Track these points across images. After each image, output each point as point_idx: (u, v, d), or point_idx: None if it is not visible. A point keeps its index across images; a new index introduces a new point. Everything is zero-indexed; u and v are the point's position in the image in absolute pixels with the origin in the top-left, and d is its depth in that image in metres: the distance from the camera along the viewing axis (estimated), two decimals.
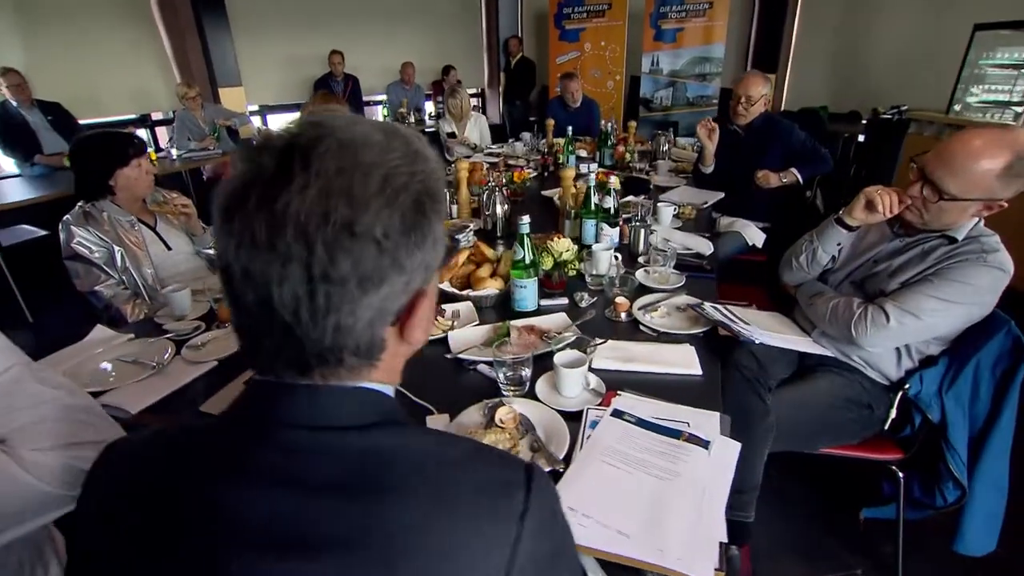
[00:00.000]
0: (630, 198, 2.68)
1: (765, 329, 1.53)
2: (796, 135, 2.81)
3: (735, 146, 2.88)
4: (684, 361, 1.35)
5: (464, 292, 1.68)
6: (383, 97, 6.59)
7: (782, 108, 6.77)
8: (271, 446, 0.49)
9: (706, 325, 1.49)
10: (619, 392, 1.23)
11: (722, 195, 2.84)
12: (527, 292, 1.58)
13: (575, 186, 2.30)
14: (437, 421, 1.18)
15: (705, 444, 1.07)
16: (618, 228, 2.01)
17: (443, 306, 1.64)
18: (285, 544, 0.44)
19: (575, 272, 1.73)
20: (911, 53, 5.45)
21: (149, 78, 5.41)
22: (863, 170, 5.35)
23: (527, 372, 1.27)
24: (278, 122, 6.37)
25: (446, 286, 1.72)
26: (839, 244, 1.55)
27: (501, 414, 1.15)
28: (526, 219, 1.51)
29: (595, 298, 1.70)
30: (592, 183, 2.00)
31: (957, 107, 4.09)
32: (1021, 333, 1.35)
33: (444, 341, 1.48)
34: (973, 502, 1.44)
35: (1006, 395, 1.37)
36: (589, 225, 2.05)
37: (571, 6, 6.15)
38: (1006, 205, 1.31)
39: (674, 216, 2.39)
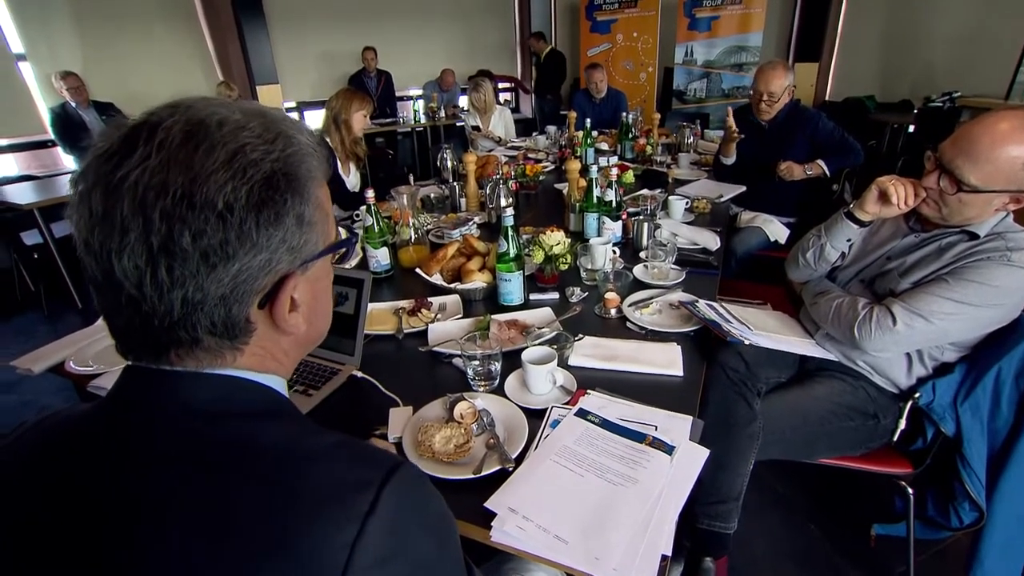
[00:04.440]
0: (644, 191, 2.59)
1: (763, 330, 1.44)
2: (823, 125, 2.65)
3: (758, 137, 2.74)
4: (666, 361, 1.28)
5: (452, 285, 1.65)
6: (418, 92, 6.64)
7: (826, 98, 6.46)
8: (132, 432, 0.49)
9: (698, 324, 1.41)
10: (589, 391, 1.18)
11: (743, 188, 2.71)
12: (512, 286, 1.54)
13: (583, 179, 2.24)
14: (401, 414, 1.16)
15: (669, 450, 1.01)
16: (620, 222, 1.94)
17: (430, 299, 1.61)
18: (136, 521, 0.45)
19: (568, 266, 1.67)
20: (968, 34, 5.08)
21: (194, 78, 5.63)
22: (911, 162, 5.04)
23: (496, 367, 1.24)
24: (314, 119, 6.52)
25: (437, 279, 1.70)
26: (849, 240, 1.43)
27: (460, 409, 1.12)
28: (509, 212, 1.47)
29: (586, 293, 1.64)
30: (595, 176, 1.94)
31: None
32: None
33: (426, 333, 1.46)
34: (992, 526, 1.30)
35: None
36: (591, 219, 1.99)
37: None
38: None
39: (686, 210, 2.29)
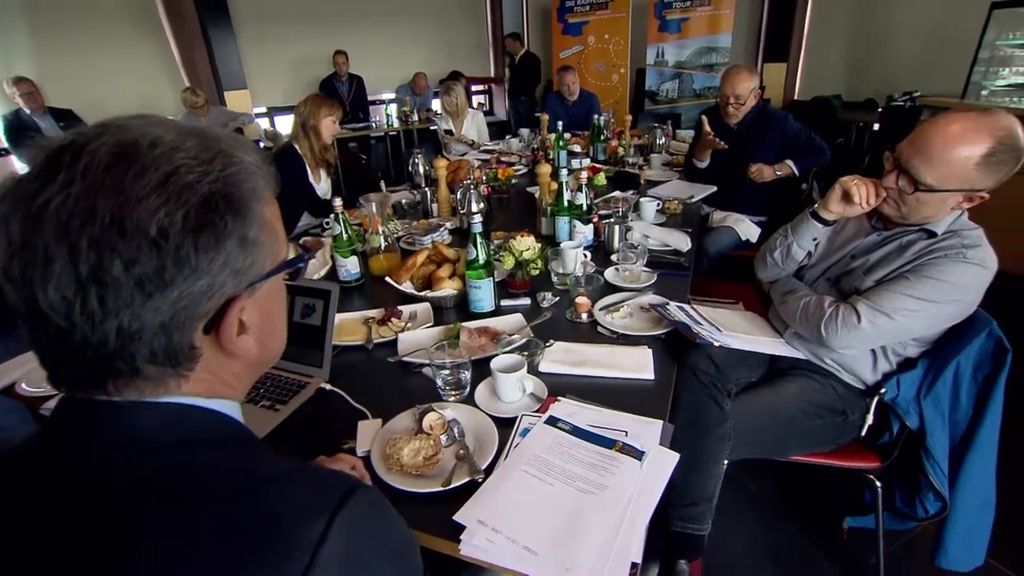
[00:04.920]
0: (615, 193, 2.60)
1: (733, 330, 1.45)
2: (790, 126, 2.69)
3: (727, 139, 2.76)
4: (637, 365, 1.29)
5: (422, 293, 1.64)
6: (391, 96, 6.60)
7: (795, 98, 6.59)
8: (70, 464, 0.47)
9: (668, 326, 1.42)
10: (559, 398, 1.18)
11: (714, 189, 2.74)
12: (482, 293, 1.53)
13: (554, 183, 2.24)
14: (370, 426, 1.14)
15: (639, 455, 1.01)
16: (591, 225, 1.94)
17: (400, 307, 1.60)
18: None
19: (539, 271, 1.67)
20: (927, 36, 5.23)
21: (158, 84, 5.51)
22: (876, 159, 5.17)
23: (466, 375, 1.23)
24: (285, 123, 6.43)
25: (407, 287, 1.68)
26: (815, 239, 1.45)
27: (429, 420, 1.11)
28: (477, 218, 1.46)
29: (557, 298, 1.64)
30: (565, 179, 1.94)
31: (984, 92, 3.86)
32: (1003, 334, 1.25)
33: (396, 343, 1.44)
34: (955, 515, 1.34)
35: (988, 401, 1.27)
36: (562, 222, 1.99)
37: None
38: (987, 197, 1.21)
39: (658, 211, 2.30)
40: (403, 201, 2.64)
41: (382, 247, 1.87)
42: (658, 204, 2.29)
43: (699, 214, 2.46)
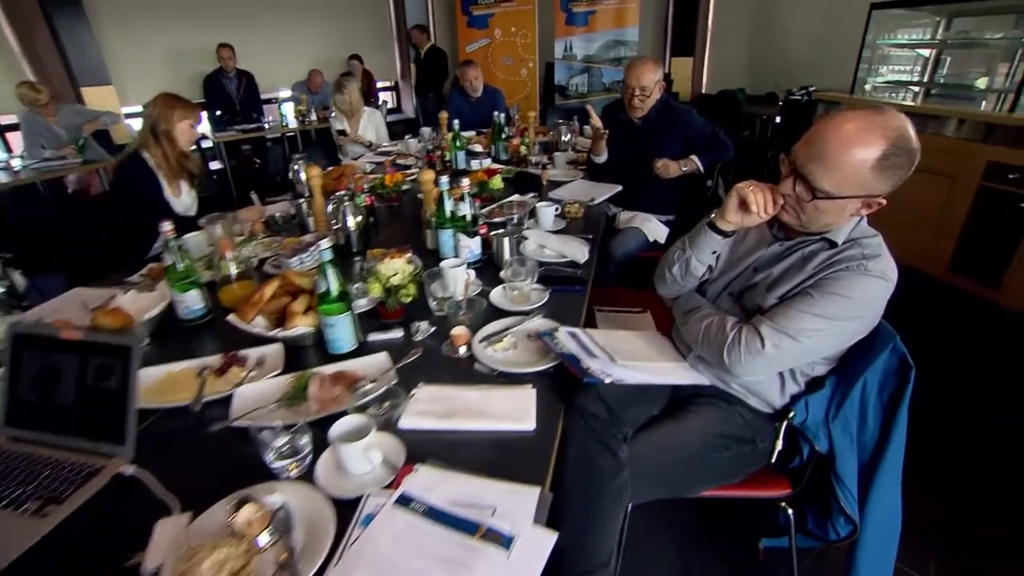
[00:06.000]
0: (514, 197, 2.42)
1: (632, 357, 1.28)
2: (694, 121, 2.61)
3: (632, 135, 2.65)
4: (516, 412, 1.09)
5: (272, 333, 1.37)
6: (288, 94, 6.13)
7: (703, 91, 6.70)
8: None
9: (557, 358, 1.24)
10: (418, 465, 0.96)
11: (619, 188, 2.61)
12: (339, 331, 1.29)
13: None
14: (171, 526, 0.88)
15: (506, 543, 0.81)
16: (479, 238, 1.74)
17: (244, 352, 1.32)
18: None
19: (411, 298, 1.44)
20: (818, 34, 5.42)
21: None
22: (780, 152, 5.32)
23: (304, 441, 0.99)
24: None
25: (259, 325, 1.40)
26: (715, 252, 1.31)
27: (244, 515, 0.85)
28: (325, 243, 1.21)
29: (434, 328, 1.42)
30: (445, 187, 1.72)
31: (868, 87, 4.01)
32: (907, 350, 1.16)
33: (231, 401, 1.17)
34: (865, 537, 1.25)
35: (894, 421, 1.18)
36: (445, 236, 1.77)
37: None
38: (885, 203, 1.10)
39: (557, 216, 2.13)
40: (277, 215, 2.33)
41: (233, 275, 1.58)
42: (557, 208, 2.12)
43: (603, 217, 2.32)
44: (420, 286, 1.48)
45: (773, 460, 1.31)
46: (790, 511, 1.35)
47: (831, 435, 1.24)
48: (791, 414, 1.25)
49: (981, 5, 3.42)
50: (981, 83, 3.56)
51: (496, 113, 3.18)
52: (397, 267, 1.44)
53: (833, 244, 1.15)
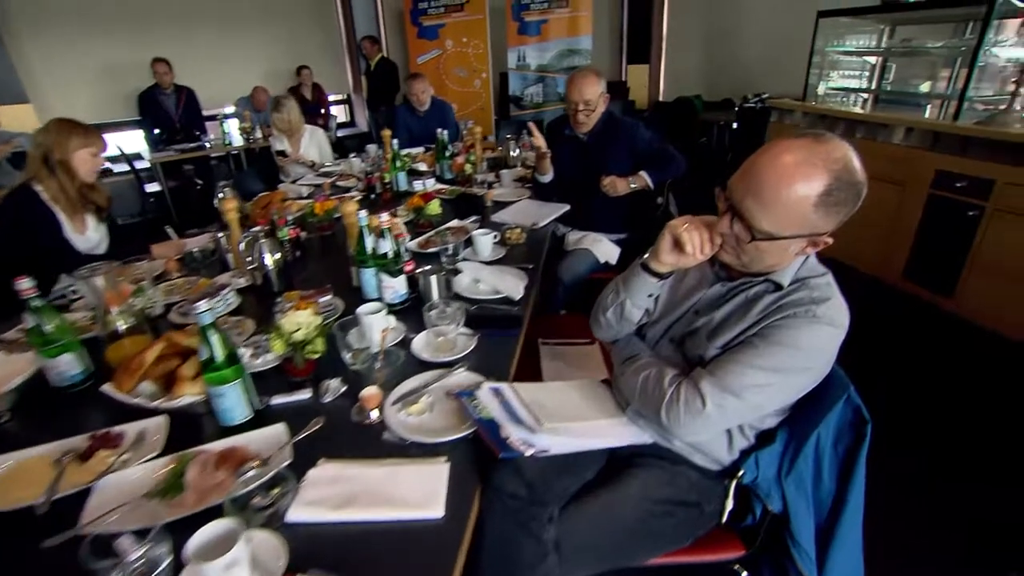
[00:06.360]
0: (453, 223, 2.27)
1: (563, 416, 1.14)
2: (641, 134, 2.50)
3: (578, 152, 2.54)
4: (424, 495, 0.94)
5: (155, 403, 1.19)
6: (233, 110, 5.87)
7: (659, 99, 6.69)
8: None
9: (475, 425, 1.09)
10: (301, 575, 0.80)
11: (566, 208, 2.49)
12: (229, 401, 1.12)
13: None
14: None
15: None
16: (404, 277, 1.58)
17: (121, 427, 1.14)
18: None
19: (319, 354, 1.28)
20: (771, 41, 5.45)
21: None
22: (737, 158, 5.32)
23: (163, 551, 0.82)
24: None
25: (143, 393, 1.22)
26: (651, 295, 1.19)
27: None
28: (202, 305, 1.04)
29: (346, 387, 1.26)
30: (363, 221, 1.56)
31: (820, 91, 4.00)
32: (862, 402, 1.05)
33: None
34: None
35: (851, 477, 1.07)
36: (367, 275, 1.61)
37: (427, 1, 5.68)
38: (831, 241, 0.99)
39: (495, 244, 1.99)
40: (195, 250, 2.13)
41: (120, 330, 1.39)
42: (495, 235, 1.98)
43: (547, 241, 2.18)
44: (331, 338, 1.31)
45: (724, 520, 1.19)
46: (744, 574, 1.23)
47: (784, 493, 1.12)
48: (740, 472, 1.13)
49: (920, 14, 3.44)
50: (924, 88, 3.58)
51: (440, 130, 3.03)
52: (301, 320, 1.27)
53: (779, 286, 1.04)
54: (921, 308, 2.99)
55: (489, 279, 1.69)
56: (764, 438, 1.14)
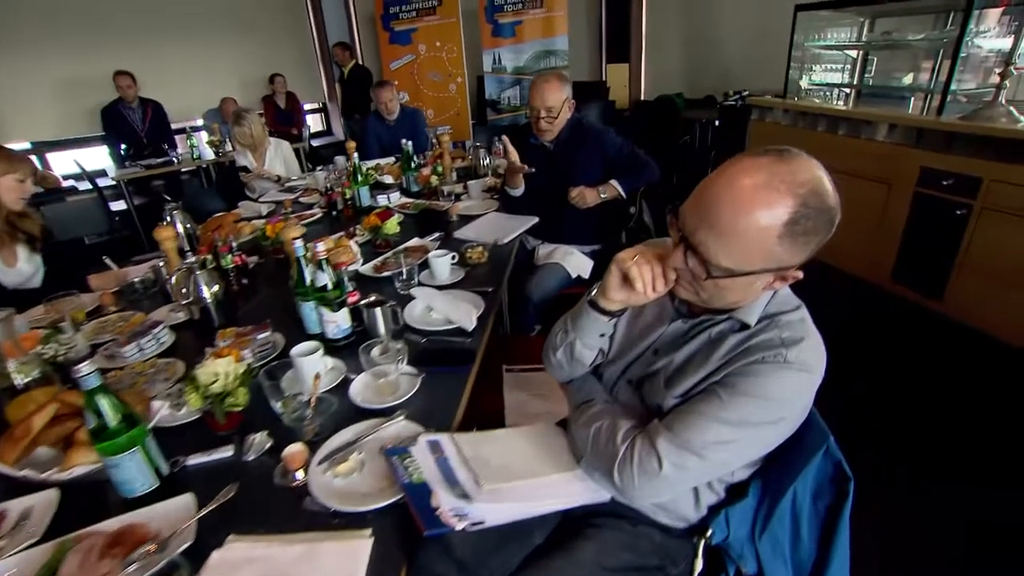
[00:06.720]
0: (412, 241, 2.13)
1: (506, 473, 1.00)
2: (611, 141, 2.38)
3: (545, 161, 2.41)
4: None
5: (43, 476, 1.05)
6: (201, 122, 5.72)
7: (641, 97, 6.57)
8: None
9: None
10: None
11: (534, 221, 2.36)
12: (126, 472, 0.97)
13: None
14: None
15: None
16: (345, 310, 1.45)
17: (2, 505, 1.00)
18: None
19: (240, 407, 1.14)
20: (751, 36, 5.34)
21: None
22: (721, 157, 5.19)
23: None
24: (60, 161, 5.33)
25: (35, 461, 1.08)
26: (603, 334, 1.06)
27: None
28: (83, 368, 0.90)
29: (271, 442, 1.13)
30: (300, 251, 1.43)
31: (803, 84, 3.88)
32: (842, 456, 0.92)
33: None
34: None
35: (834, 538, 0.94)
36: (307, 310, 1.48)
37: (398, 5, 5.53)
38: (801, 275, 0.86)
39: (454, 265, 1.86)
40: (136, 280, 1.98)
41: (21, 385, 1.25)
42: (453, 256, 1.84)
43: (511, 259, 2.05)
44: (253, 391, 1.18)
45: None
46: None
47: (759, 554, 1.00)
48: (709, 532, 1.01)
49: (900, 6, 3.33)
50: (906, 81, 3.47)
51: (405, 141, 2.89)
52: (220, 370, 1.13)
53: (745, 325, 0.91)
54: (910, 311, 2.88)
55: (442, 307, 1.56)
56: (735, 492, 1.01)
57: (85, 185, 4.82)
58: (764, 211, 0.77)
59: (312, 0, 6.41)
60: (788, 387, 0.85)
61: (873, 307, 2.98)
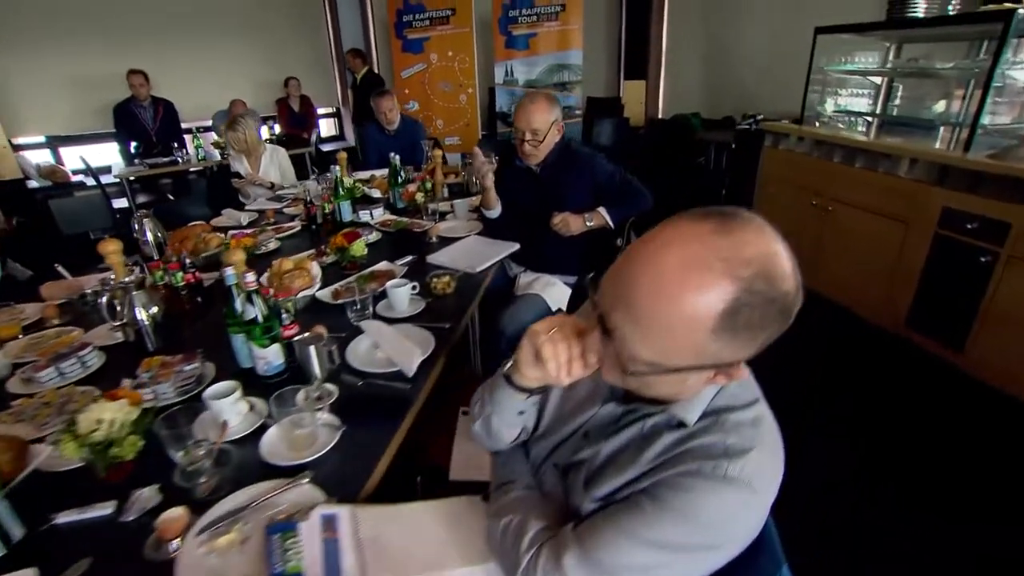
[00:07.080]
0: (380, 265, 2.01)
1: (409, 567, 0.87)
2: (601, 167, 2.23)
3: (530, 184, 2.27)
4: None
5: None
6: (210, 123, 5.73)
7: (658, 115, 6.40)
8: None
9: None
10: None
11: (515, 247, 2.23)
12: None
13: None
14: None
15: None
16: (276, 346, 1.32)
17: None
18: None
19: (133, 455, 1.03)
20: (774, 57, 5.15)
21: None
22: (735, 186, 4.99)
23: None
24: (73, 155, 5.37)
25: None
26: (522, 412, 0.91)
27: None
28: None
29: (162, 496, 1.01)
30: (231, 280, 1.31)
31: (826, 109, 3.68)
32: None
33: None
34: None
35: None
36: (238, 343, 1.36)
37: (411, 13, 5.47)
38: (747, 374, 0.71)
39: (415, 295, 1.72)
40: (88, 292, 1.90)
41: None
42: (414, 287, 1.71)
43: (480, 289, 1.91)
44: (144, 437, 1.06)
45: None
46: None
47: None
48: None
49: (930, 32, 3.12)
50: (934, 112, 3.25)
51: (392, 155, 2.78)
52: (107, 416, 1.02)
53: (683, 423, 0.75)
54: (926, 361, 2.66)
55: (387, 346, 1.42)
56: None
57: (91, 181, 4.84)
58: (693, 297, 0.60)
59: (329, 4, 6.41)
60: (726, 509, 0.68)
61: (884, 352, 2.76)
